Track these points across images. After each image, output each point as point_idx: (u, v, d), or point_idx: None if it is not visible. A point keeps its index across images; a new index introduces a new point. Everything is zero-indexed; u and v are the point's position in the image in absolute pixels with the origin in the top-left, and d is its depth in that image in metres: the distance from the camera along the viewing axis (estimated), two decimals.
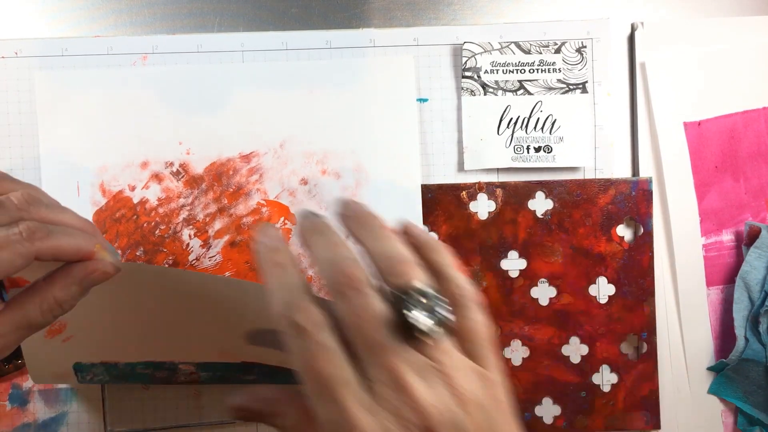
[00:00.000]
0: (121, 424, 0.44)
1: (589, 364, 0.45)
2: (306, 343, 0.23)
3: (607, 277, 0.45)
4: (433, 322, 0.22)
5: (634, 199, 0.45)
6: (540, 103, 0.44)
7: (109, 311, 0.38)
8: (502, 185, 0.44)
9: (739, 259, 0.46)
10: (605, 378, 0.45)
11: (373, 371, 0.22)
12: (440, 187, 0.44)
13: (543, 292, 0.45)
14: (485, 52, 0.44)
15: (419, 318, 0.22)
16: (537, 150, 0.44)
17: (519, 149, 0.44)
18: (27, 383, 0.43)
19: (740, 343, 0.45)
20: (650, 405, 0.45)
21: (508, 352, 0.45)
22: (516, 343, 0.45)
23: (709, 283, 0.46)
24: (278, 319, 0.23)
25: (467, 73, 0.44)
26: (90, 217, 0.43)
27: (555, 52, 0.44)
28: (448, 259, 0.26)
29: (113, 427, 0.44)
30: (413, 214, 0.44)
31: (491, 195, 0.44)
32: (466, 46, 0.44)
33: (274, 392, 0.27)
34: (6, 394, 0.43)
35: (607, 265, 0.45)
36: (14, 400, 0.43)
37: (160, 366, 0.40)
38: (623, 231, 0.45)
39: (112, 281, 0.29)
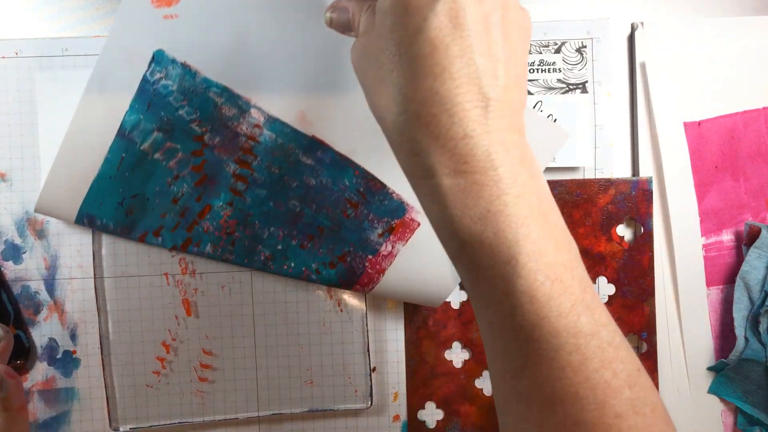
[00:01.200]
0: (126, 422, 0.44)
1: None
2: None
3: (607, 277, 0.45)
4: None
5: (634, 199, 0.45)
6: (540, 103, 0.44)
7: (222, 18, 0.36)
8: None
9: (739, 259, 0.46)
10: None
11: None
12: None
13: None
14: None
15: None
16: None
17: None
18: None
19: (740, 343, 0.45)
20: None
21: None
22: None
23: (709, 283, 0.46)
24: None
25: None
26: None
27: (555, 52, 0.44)
28: None
29: (118, 424, 0.44)
30: None
31: None
32: None
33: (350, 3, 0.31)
34: None
35: (607, 265, 0.45)
36: None
37: (233, 99, 0.38)
38: (623, 231, 0.45)
39: None
